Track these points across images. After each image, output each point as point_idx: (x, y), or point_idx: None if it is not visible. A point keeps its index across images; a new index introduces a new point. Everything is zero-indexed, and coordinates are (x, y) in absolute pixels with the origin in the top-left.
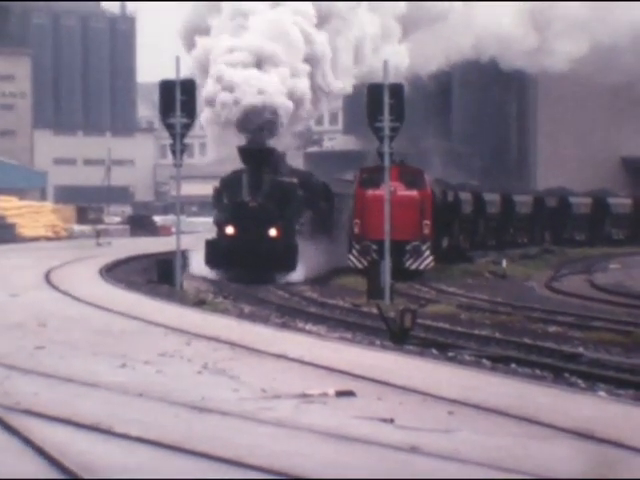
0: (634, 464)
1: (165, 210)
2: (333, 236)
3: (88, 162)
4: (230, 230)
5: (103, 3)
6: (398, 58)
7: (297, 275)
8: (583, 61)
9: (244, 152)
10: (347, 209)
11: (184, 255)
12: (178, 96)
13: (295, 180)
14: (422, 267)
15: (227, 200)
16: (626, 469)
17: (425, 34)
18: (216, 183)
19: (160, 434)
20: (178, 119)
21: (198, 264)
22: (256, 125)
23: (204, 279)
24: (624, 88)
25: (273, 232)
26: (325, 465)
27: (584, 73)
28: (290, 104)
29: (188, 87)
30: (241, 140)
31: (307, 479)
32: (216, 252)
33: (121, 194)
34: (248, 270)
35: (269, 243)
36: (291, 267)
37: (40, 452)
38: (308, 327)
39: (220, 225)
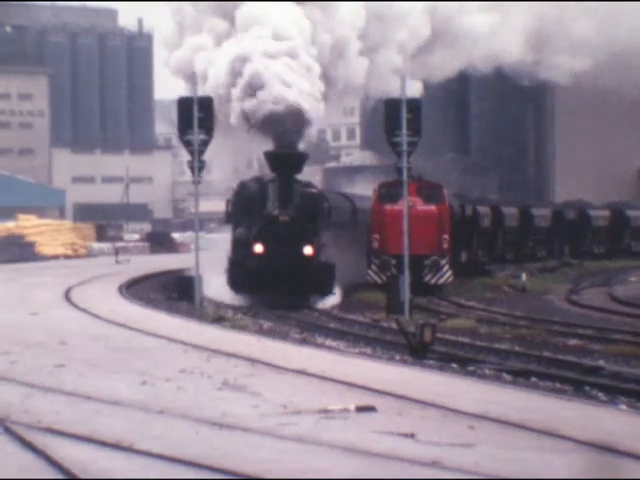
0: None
1: (184, 227)
2: (352, 251)
3: (106, 180)
4: (259, 248)
5: (121, 21)
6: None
7: (334, 299)
8: (588, 75)
9: (274, 157)
10: (365, 224)
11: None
12: (196, 113)
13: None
14: (441, 281)
15: (250, 213)
16: None
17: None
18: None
19: (181, 451)
20: (196, 136)
21: (216, 286)
22: (285, 127)
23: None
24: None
25: (308, 250)
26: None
27: (598, 85)
28: (318, 107)
29: (206, 104)
30: (258, 146)
31: None
32: (241, 274)
33: (140, 211)
34: (279, 294)
35: (304, 263)
36: (328, 290)
37: (61, 470)
38: (328, 342)
39: (243, 242)
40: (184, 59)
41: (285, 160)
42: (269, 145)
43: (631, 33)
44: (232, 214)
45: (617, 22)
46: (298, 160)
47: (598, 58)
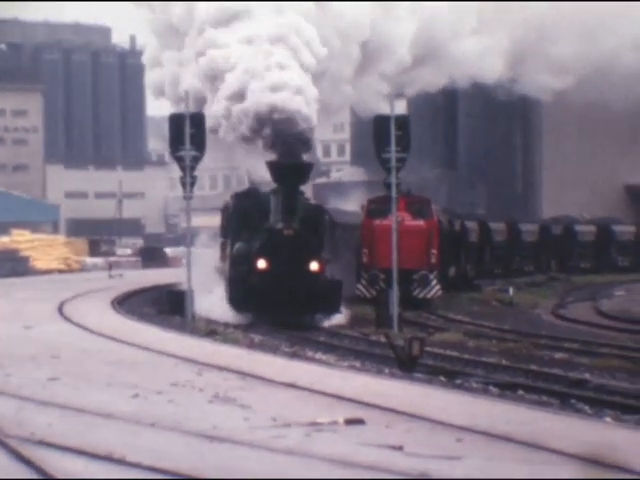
0: None
1: (176, 242)
2: (340, 265)
3: (99, 195)
4: (262, 264)
5: (114, 39)
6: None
7: (340, 317)
8: (572, 92)
9: (278, 168)
10: (352, 239)
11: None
12: (187, 129)
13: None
14: (429, 295)
15: (249, 227)
16: None
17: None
18: None
19: (172, 463)
20: (188, 152)
21: (209, 303)
22: (291, 136)
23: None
24: (627, 117)
25: (314, 266)
26: None
27: (583, 102)
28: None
29: (197, 120)
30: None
31: None
32: (243, 291)
33: (132, 226)
34: (284, 313)
35: (310, 279)
36: (335, 308)
37: None
38: (318, 356)
39: (244, 258)
40: (167, 77)
41: (290, 170)
42: (257, 157)
43: (611, 51)
44: (229, 228)
45: (596, 40)
46: (304, 170)
47: (580, 76)
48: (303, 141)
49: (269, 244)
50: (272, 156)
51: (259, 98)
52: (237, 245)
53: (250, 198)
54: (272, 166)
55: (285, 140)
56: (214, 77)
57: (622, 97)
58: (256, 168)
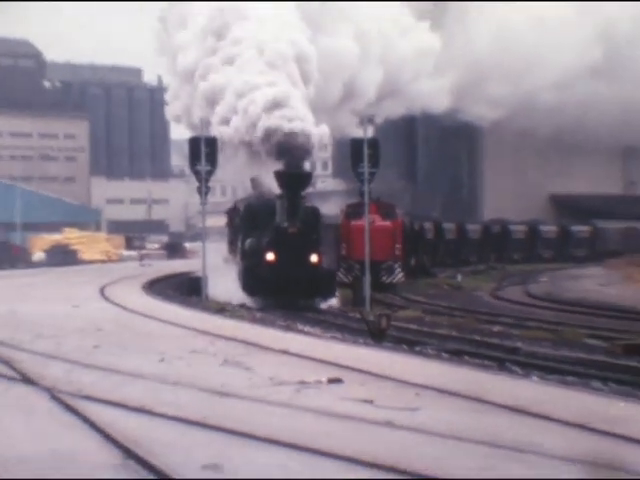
0: (555, 431)
1: (193, 238)
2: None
3: (133, 201)
4: (271, 257)
5: (145, 78)
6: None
7: (335, 300)
8: (506, 121)
9: (284, 176)
10: (334, 236)
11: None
12: (203, 149)
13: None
14: (394, 281)
15: (258, 226)
16: (550, 440)
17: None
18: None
19: (190, 413)
20: (203, 167)
21: (222, 289)
22: (293, 149)
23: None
24: (549, 140)
25: (314, 258)
26: (319, 436)
27: (515, 128)
28: (318, 131)
29: (211, 142)
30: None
31: (305, 447)
32: (255, 279)
33: (159, 226)
34: (289, 297)
35: (310, 269)
36: (332, 293)
37: (97, 429)
38: (306, 329)
39: (254, 252)
40: (182, 108)
41: (294, 179)
42: (263, 168)
43: (535, 90)
44: (240, 227)
45: (523, 81)
46: (305, 179)
47: (510, 109)
48: (304, 153)
49: (276, 240)
50: (277, 166)
51: (267, 117)
52: (248, 241)
53: (259, 203)
54: (279, 175)
55: (289, 152)
56: (213, 101)
57: (545, 125)
58: (262, 177)
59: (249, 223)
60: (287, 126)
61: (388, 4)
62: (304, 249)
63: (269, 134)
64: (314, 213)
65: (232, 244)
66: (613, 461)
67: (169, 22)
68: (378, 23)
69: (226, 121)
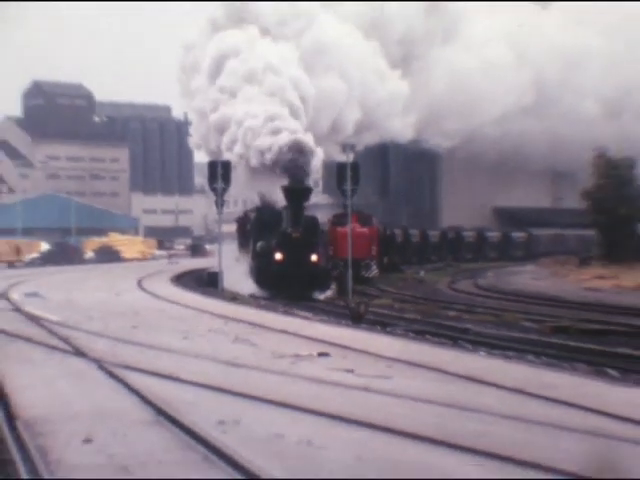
0: (498, 395)
1: (212, 241)
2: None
3: (164, 212)
4: (279, 256)
5: (174, 113)
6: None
7: (330, 292)
8: (458, 147)
9: (289, 191)
10: (323, 239)
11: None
12: (219, 171)
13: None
14: (371, 275)
15: (267, 232)
16: (494, 401)
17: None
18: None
19: (209, 380)
20: (219, 185)
21: (233, 281)
22: (296, 166)
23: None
24: (495, 163)
25: (314, 258)
26: (311, 398)
27: (466, 152)
28: (317, 150)
29: (226, 165)
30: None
31: (299, 407)
32: (265, 275)
33: (184, 231)
34: (293, 289)
35: (311, 267)
36: (327, 287)
37: (135, 392)
38: (301, 313)
39: (265, 253)
40: (202, 137)
41: (297, 193)
42: (271, 183)
43: (480, 124)
44: (252, 232)
45: (471, 118)
46: (306, 193)
47: (461, 139)
48: (306, 171)
49: (282, 243)
50: (284, 181)
51: (277, 139)
52: (259, 244)
53: (267, 213)
54: (285, 189)
55: (294, 170)
56: (222, 130)
57: (489, 151)
58: (270, 191)
59: (259, 229)
60: (295, 137)
61: (370, 54)
62: (306, 250)
63: (281, 152)
64: (313, 221)
65: (242, 246)
66: (544, 418)
67: (186, 68)
68: (361, 70)
69: (230, 148)
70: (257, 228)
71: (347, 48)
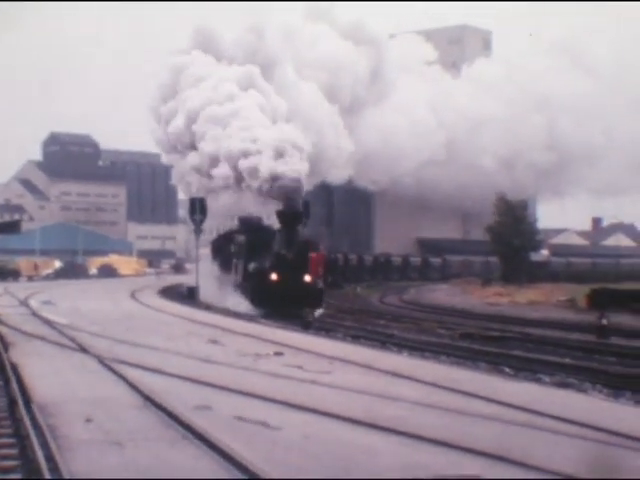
0: (416, 387)
1: (191, 261)
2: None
3: (154, 237)
4: (274, 277)
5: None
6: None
7: (320, 311)
8: (386, 189)
9: (284, 215)
10: None
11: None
12: (197, 205)
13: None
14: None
15: (258, 253)
16: (412, 392)
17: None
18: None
19: (187, 373)
20: (198, 216)
21: (209, 294)
22: (291, 192)
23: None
24: (416, 203)
25: (308, 278)
26: (268, 388)
27: (393, 193)
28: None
29: (202, 201)
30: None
31: (259, 395)
32: (262, 294)
33: (170, 254)
34: (287, 307)
35: (305, 287)
36: (320, 305)
37: (127, 382)
38: (263, 321)
39: (258, 273)
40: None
41: (290, 217)
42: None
43: (402, 172)
44: (243, 254)
45: (393, 167)
46: (300, 216)
47: (387, 183)
48: (298, 195)
49: (277, 264)
50: (276, 204)
51: (271, 168)
52: (252, 265)
53: (258, 235)
54: (280, 214)
55: (288, 195)
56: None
57: (410, 194)
58: (259, 211)
59: (249, 250)
60: (288, 171)
61: (327, 112)
62: (299, 271)
63: (273, 179)
64: (305, 244)
65: (224, 265)
66: (452, 406)
67: (162, 119)
68: (321, 124)
69: (208, 174)
70: (248, 250)
71: (316, 110)
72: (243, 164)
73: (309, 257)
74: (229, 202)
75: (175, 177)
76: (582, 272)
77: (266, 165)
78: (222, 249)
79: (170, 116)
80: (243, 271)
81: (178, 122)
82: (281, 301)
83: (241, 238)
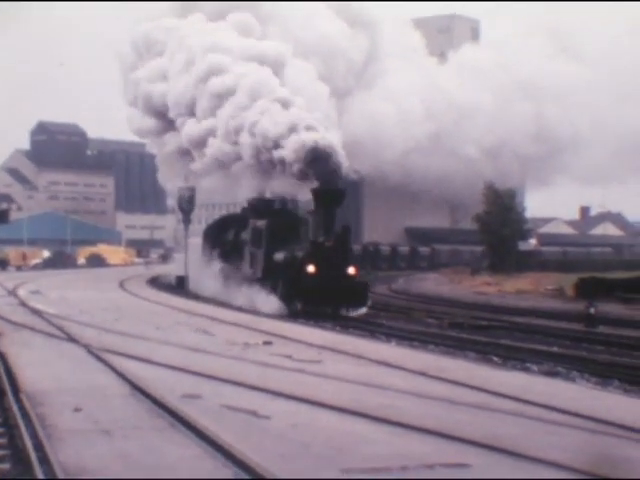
0: (405, 376)
1: (179, 251)
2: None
3: (143, 227)
4: (312, 269)
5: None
6: None
7: (364, 309)
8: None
9: (321, 193)
10: None
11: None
12: (186, 195)
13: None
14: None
15: (282, 241)
16: (401, 381)
17: None
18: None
19: (175, 362)
20: (186, 206)
21: (199, 285)
22: (329, 168)
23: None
24: (404, 192)
25: (352, 270)
26: (257, 377)
27: (383, 182)
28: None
29: (191, 190)
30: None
31: (248, 384)
32: (296, 288)
33: (158, 243)
34: (326, 304)
35: (348, 281)
36: (365, 303)
37: (115, 371)
38: (251, 310)
39: (288, 264)
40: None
41: (330, 196)
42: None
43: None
44: (262, 241)
45: (380, 156)
46: (341, 195)
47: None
48: (339, 174)
49: (314, 253)
50: (312, 184)
51: (307, 141)
52: (280, 255)
53: (281, 220)
54: (316, 192)
55: (326, 171)
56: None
57: (398, 183)
58: (287, 192)
59: (271, 238)
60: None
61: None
62: (342, 261)
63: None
64: (345, 229)
65: (225, 256)
66: (441, 395)
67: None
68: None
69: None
70: (270, 237)
71: (312, 91)
72: (286, 144)
73: (351, 246)
74: (253, 183)
75: (161, 159)
76: (575, 262)
77: (309, 137)
78: (220, 237)
79: (153, 83)
80: (264, 262)
81: (179, 84)
82: (320, 298)
83: (260, 223)
